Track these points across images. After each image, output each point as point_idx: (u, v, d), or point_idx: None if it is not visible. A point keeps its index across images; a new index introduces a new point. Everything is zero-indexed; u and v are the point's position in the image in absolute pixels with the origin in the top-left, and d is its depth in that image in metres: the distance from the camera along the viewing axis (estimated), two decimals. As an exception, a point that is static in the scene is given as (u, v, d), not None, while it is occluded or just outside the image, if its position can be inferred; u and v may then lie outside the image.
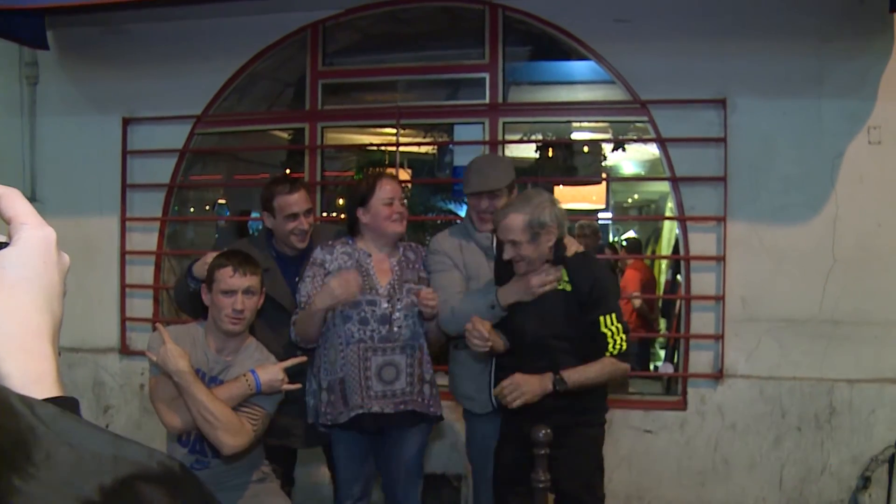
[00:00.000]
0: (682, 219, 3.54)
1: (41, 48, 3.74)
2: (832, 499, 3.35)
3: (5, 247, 0.52)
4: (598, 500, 2.48)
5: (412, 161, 5.46)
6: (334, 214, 4.45)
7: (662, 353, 5.67)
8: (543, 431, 2.28)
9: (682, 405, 3.50)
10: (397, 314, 2.53)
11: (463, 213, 4.30)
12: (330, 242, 2.64)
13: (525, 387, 2.32)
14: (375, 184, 2.59)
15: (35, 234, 0.53)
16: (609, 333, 2.37)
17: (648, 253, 6.70)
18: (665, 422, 3.49)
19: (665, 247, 5.90)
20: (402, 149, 4.24)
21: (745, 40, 3.40)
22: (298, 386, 2.38)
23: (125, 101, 3.98)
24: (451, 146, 4.73)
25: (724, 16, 3.44)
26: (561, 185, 5.45)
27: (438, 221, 4.79)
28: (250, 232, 4.86)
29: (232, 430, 2.11)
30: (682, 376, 3.54)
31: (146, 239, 4.01)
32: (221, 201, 5.28)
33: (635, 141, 4.60)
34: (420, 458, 2.66)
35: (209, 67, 3.89)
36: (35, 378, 0.47)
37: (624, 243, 7.01)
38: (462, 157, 4.05)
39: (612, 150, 5.11)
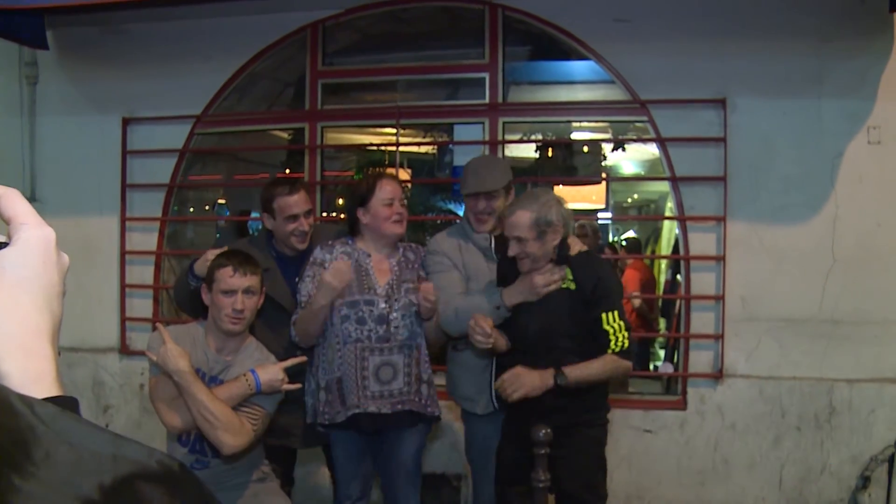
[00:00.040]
0: (681, 219, 3.55)
1: (41, 48, 3.74)
2: (832, 498, 3.35)
3: (5, 246, 0.52)
4: (601, 500, 2.48)
5: (412, 161, 5.46)
6: (334, 214, 4.45)
7: (662, 352, 5.67)
8: (543, 431, 2.28)
9: (682, 405, 3.50)
10: (395, 314, 2.52)
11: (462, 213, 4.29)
12: (330, 242, 2.65)
13: (525, 379, 2.33)
14: (375, 184, 2.60)
15: (35, 233, 0.53)
16: (611, 331, 2.37)
17: (648, 253, 6.70)
18: (665, 421, 3.49)
19: (665, 247, 5.90)
20: (401, 149, 4.24)
21: (745, 40, 3.41)
22: (298, 386, 2.38)
23: (125, 101, 3.98)
24: (450, 146, 4.73)
25: (724, 16, 3.44)
26: (561, 185, 5.45)
27: (438, 221, 4.79)
28: (250, 232, 4.86)
29: (232, 430, 2.12)
30: (682, 376, 3.54)
31: (146, 239, 4.01)
32: (221, 201, 5.28)
33: (635, 141, 4.60)
34: (418, 458, 2.66)
35: (209, 67, 3.89)
36: (35, 377, 0.48)
37: (623, 243, 7.01)
38: (462, 157, 4.05)
39: (612, 150, 5.11)
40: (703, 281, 3.50)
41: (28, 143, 4.06)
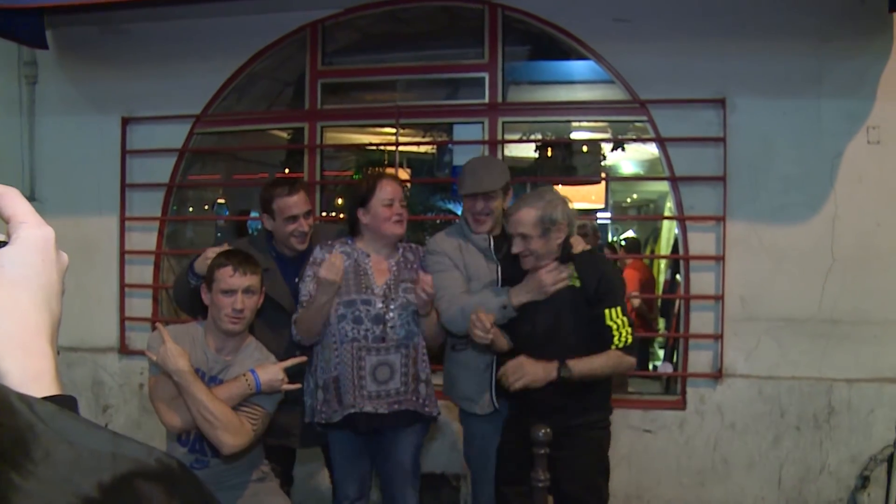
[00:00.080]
0: (681, 218, 3.55)
1: (40, 48, 3.73)
2: (831, 498, 3.36)
3: (4, 245, 0.52)
4: (601, 502, 2.48)
5: (411, 160, 5.46)
6: (334, 214, 4.45)
7: (662, 352, 5.68)
8: (543, 431, 2.28)
9: (682, 405, 3.50)
10: (391, 314, 2.52)
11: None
12: (329, 242, 2.64)
13: (528, 368, 2.33)
14: (376, 184, 2.59)
15: (34, 233, 0.53)
16: (615, 326, 2.38)
17: (647, 252, 6.70)
18: (664, 421, 3.49)
19: (664, 246, 5.90)
20: (401, 148, 4.23)
21: (745, 40, 3.41)
22: (298, 386, 2.38)
23: (124, 101, 3.98)
24: (450, 146, 4.72)
25: (724, 16, 3.44)
26: (560, 185, 5.44)
27: (437, 221, 4.79)
28: (250, 232, 4.86)
29: (231, 430, 2.12)
30: (682, 376, 3.54)
31: (145, 238, 4.01)
32: (221, 201, 5.29)
33: (634, 140, 4.60)
34: (416, 457, 2.65)
35: (208, 67, 3.89)
36: (34, 376, 0.48)
37: (623, 243, 7.01)
38: (461, 157, 4.04)
39: (612, 150, 5.10)
40: (702, 281, 3.50)
41: (27, 142, 4.06)
